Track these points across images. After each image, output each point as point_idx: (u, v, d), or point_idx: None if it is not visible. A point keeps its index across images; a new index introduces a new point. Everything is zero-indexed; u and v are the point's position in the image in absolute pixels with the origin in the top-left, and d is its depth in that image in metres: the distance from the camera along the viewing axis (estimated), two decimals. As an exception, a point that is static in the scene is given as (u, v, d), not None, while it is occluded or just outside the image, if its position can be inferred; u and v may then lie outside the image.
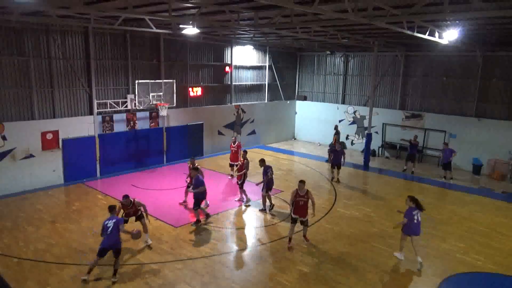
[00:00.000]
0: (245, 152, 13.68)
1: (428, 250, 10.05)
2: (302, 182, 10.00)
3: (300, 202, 9.84)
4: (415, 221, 9.16)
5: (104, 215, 11.69)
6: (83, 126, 15.24)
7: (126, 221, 9.54)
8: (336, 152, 15.95)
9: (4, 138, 13.28)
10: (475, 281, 8.88)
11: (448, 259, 9.68)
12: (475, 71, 18.23)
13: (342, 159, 15.85)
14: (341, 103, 23.31)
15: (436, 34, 12.92)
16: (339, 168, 15.98)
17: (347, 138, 23.01)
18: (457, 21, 11.39)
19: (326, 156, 20.83)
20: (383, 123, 21.23)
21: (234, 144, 15.54)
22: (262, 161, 12.65)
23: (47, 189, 14.07)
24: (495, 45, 17.24)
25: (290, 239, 10.08)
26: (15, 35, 13.25)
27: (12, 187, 13.54)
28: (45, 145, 14.27)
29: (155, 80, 16.61)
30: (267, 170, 12.38)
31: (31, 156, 13.97)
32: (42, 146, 14.19)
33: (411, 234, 9.31)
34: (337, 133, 20.21)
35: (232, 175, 15.68)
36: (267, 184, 12.28)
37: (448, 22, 11.66)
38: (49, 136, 14.34)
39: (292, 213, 9.99)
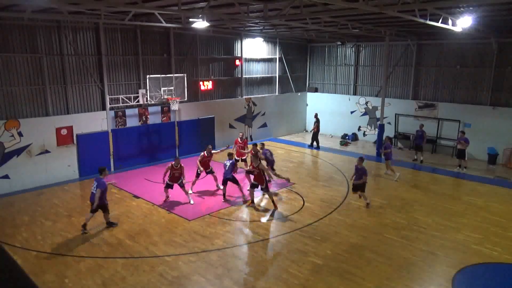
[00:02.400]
0: (262, 144, 14.19)
1: (443, 242, 9.97)
2: (254, 155, 12.74)
3: (255, 172, 11.98)
4: (390, 150, 15.23)
5: (118, 209, 11.92)
6: (97, 122, 15.43)
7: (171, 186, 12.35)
8: (356, 169, 12.40)
9: (20, 134, 13.54)
10: (491, 271, 8.78)
11: (464, 250, 9.58)
12: (490, 59, 17.83)
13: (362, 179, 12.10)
14: (353, 94, 23.09)
15: (450, 22, 12.64)
16: (362, 191, 12.25)
17: (359, 129, 22.84)
18: (471, 8, 11.13)
19: (337, 147, 20.80)
20: (395, 114, 20.98)
21: (241, 141, 15.56)
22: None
23: (62, 184, 14.31)
24: (511, 32, 16.82)
25: (252, 200, 12.40)
26: (27, 33, 13.42)
27: (29, 183, 13.82)
28: (60, 140, 14.49)
29: (166, 74, 16.69)
30: None
31: (47, 151, 14.22)
32: (57, 141, 14.42)
33: (390, 159, 15.24)
34: (317, 121, 20.32)
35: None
36: None
37: (462, 9, 11.41)
38: (64, 132, 14.56)
39: (253, 180, 12.36)
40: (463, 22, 12.23)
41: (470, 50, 18.43)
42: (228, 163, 12.59)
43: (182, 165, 12.32)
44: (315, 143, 20.41)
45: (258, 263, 8.94)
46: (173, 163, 12.21)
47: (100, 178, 10.36)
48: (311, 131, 20.90)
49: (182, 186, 12.39)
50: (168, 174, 12.18)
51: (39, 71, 13.87)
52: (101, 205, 10.39)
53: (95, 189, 10.23)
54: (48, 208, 12.05)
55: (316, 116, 20.71)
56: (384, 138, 16.33)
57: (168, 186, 12.35)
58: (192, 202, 12.44)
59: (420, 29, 16.77)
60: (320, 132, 20.69)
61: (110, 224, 10.71)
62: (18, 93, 13.49)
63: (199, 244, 9.72)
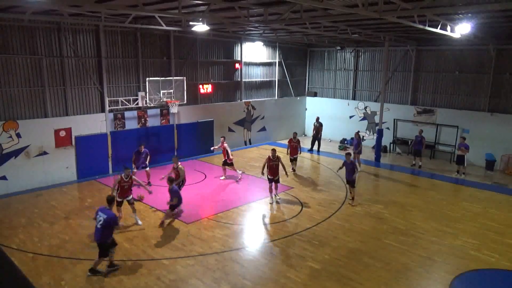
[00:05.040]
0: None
1: (441, 247, 9.96)
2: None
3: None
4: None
5: (116, 211, 11.85)
6: (95, 124, 15.42)
7: (119, 203, 10.72)
8: (346, 165, 13.04)
9: (18, 135, 13.51)
10: (489, 278, 8.77)
11: (461, 256, 9.57)
12: (488, 65, 17.91)
13: (355, 175, 12.90)
14: (352, 99, 23.14)
15: (448, 28, 12.71)
16: (352, 186, 12.99)
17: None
18: (470, 14, 11.20)
19: (336, 152, 20.79)
20: (394, 119, 21.02)
21: (294, 140, 16.48)
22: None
23: (60, 185, 14.28)
24: (509, 38, 16.91)
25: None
26: (27, 34, 13.42)
27: (27, 184, 13.78)
28: (58, 142, 14.47)
29: (165, 77, 16.71)
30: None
31: (45, 153, 14.19)
32: (55, 143, 14.39)
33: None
34: (320, 125, 20.69)
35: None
36: None
37: (460, 16, 11.47)
38: (62, 134, 14.54)
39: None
40: (462, 29, 12.30)
41: (468, 56, 18.51)
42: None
43: (134, 177, 11.04)
44: (316, 146, 20.76)
45: (255, 267, 8.92)
46: (122, 174, 10.71)
47: (107, 209, 8.41)
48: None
49: (131, 203, 10.91)
50: (117, 187, 10.70)
51: (38, 73, 13.87)
52: (109, 243, 8.42)
53: (101, 223, 8.18)
54: (46, 210, 12.01)
55: (317, 119, 21.05)
56: (355, 134, 17.55)
57: (118, 204, 10.68)
58: (140, 223, 11.01)
59: (419, 35, 16.84)
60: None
61: (112, 267, 8.59)
62: (17, 94, 13.48)
63: (196, 248, 9.70)
